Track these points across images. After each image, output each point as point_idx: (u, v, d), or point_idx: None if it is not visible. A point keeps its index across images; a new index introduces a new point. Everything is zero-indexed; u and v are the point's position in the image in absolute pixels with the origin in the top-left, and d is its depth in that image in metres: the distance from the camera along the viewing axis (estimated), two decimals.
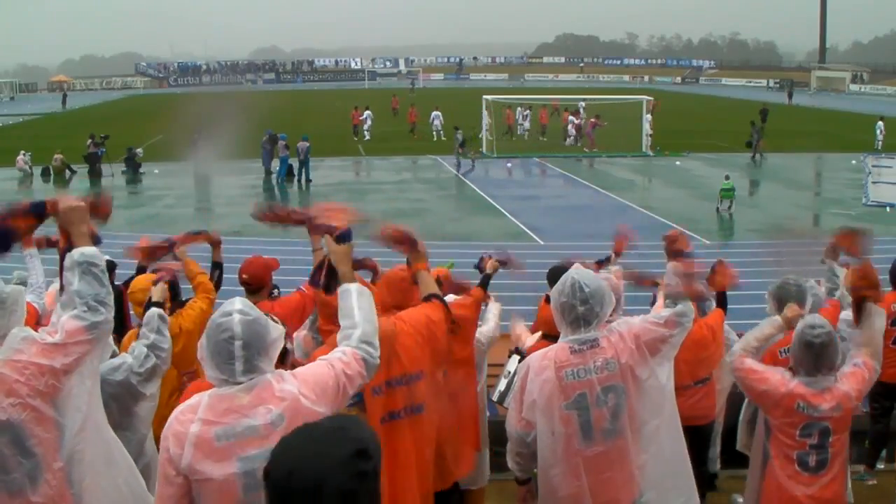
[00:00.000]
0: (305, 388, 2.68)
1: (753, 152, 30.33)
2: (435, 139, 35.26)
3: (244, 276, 4.97)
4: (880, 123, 32.73)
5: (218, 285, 5.31)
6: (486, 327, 4.91)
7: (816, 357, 3.83)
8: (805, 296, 4.77)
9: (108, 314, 2.92)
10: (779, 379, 3.91)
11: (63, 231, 3.03)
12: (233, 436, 2.56)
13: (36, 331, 2.91)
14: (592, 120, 34.16)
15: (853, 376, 3.92)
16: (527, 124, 37.05)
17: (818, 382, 3.85)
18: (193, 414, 2.62)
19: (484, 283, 4.41)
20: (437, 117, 36.32)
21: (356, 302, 3.02)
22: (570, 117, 35.49)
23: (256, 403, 2.61)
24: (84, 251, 2.93)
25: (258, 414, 2.59)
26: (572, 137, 34.44)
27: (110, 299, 2.95)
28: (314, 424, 1.93)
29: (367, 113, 36.24)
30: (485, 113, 34.19)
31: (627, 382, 3.52)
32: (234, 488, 2.55)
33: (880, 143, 31.77)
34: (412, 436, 3.45)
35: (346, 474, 1.75)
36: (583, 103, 37.57)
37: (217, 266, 5.32)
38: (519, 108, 38.04)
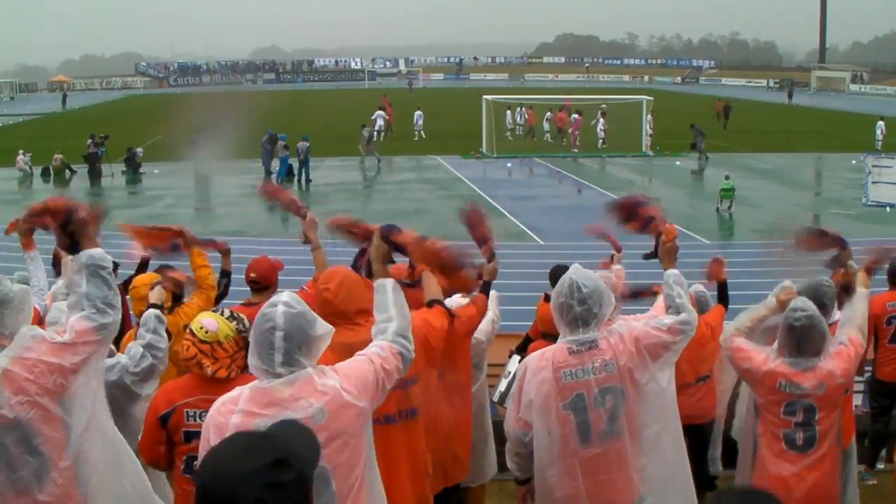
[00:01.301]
0: (347, 382, 2.73)
1: (700, 154, 29.83)
2: (416, 139, 35.28)
3: (252, 274, 4.98)
4: (881, 123, 32.67)
5: (225, 293, 5.31)
6: (485, 320, 4.57)
7: (799, 340, 3.87)
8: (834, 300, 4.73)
9: (115, 316, 2.95)
10: (762, 358, 3.97)
11: (60, 232, 3.08)
12: None
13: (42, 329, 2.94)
14: (576, 117, 34.05)
15: (838, 355, 3.94)
16: (547, 125, 36.52)
17: (801, 363, 3.88)
18: (234, 405, 2.66)
19: (485, 291, 4.25)
20: (419, 117, 36.29)
21: (391, 297, 3.11)
22: (574, 116, 35.31)
23: (298, 397, 2.65)
24: (91, 253, 2.97)
25: (299, 407, 2.63)
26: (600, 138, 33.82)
27: (117, 301, 2.98)
28: (243, 433, 1.96)
29: (378, 113, 35.92)
30: (507, 112, 33.97)
31: (626, 384, 3.51)
32: None
33: (880, 143, 31.74)
34: (406, 439, 3.46)
35: (259, 485, 1.75)
36: (603, 106, 36.85)
37: (225, 275, 5.30)
38: (520, 109, 37.94)
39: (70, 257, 3.24)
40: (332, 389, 2.68)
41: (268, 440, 1.86)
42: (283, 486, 1.77)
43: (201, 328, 3.38)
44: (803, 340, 3.87)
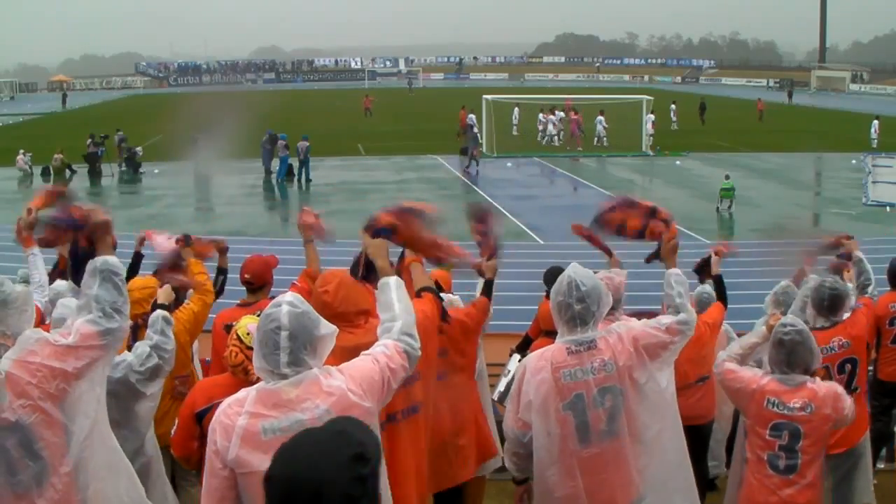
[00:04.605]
0: (353, 383, 2.72)
1: (469, 160, 27.52)
2: None
3: (246, 275, 4.98)
4: (875, 122, 33.42)
5: (221, 291, 5.33)
6: None
7: (787, 355, 3.89)
8: (843, 299, 4.64)
9: (122, 322, 2.95)
10: (750, 376, 4.00)
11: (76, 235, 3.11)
12: (279, 430, 2.58)
13: (44, 329, 2.93)
14: (574, 117, 33.90)
15: (832, 391, 3.90)
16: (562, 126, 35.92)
17: (790, 380, 3.89)
18: (241, 407, 2.65)
19: (487, 291, 4.28)
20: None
21: (395, 295, 3.09)
22: (573, 116, 35.12)
23: (304, 398, 2.63)
24: (107, 259, 2.99)
25: (305, 409, 2.62)
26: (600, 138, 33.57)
27: (126, 308, 2.98)
28: (314, 429, 1.95)
29: (471, 116, 34.43)
30: (561, 115, 33.77)
31: (625, 384, 3.51)
32: None
33: (875, 141, 32.25)
34: (410, 437, 3.45)
35: (346, 479, 1.76)
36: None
37: (222, 272, 5.37)
38: (544, 112, 36.58)
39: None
40: (337, 390, 2.67)
41: (343, 436, 1.86)
42: (364, 479, 1.78)
43: (248, 334, 3.36)
44: (792, 355, 3.89)
